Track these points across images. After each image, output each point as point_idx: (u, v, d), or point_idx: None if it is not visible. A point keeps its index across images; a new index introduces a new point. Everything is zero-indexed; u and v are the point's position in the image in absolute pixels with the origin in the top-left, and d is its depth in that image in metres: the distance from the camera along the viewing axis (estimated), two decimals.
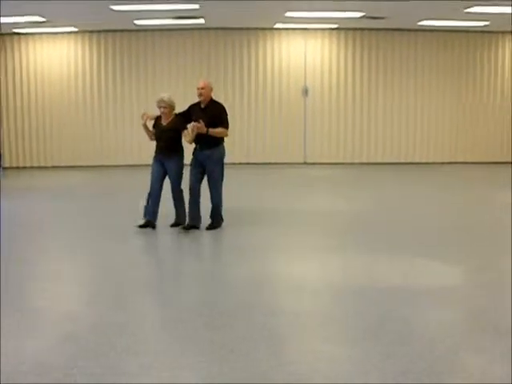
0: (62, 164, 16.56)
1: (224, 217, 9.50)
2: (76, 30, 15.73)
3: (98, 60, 16.42)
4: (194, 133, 8.92)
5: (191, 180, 9.29)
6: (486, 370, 4.70)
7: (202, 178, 9.38)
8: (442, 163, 16.82)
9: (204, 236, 9.23)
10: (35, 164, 16.70)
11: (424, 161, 16.93)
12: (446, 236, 9.18)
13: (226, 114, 9.23)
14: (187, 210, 9.43)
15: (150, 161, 9.51)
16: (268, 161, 16.63)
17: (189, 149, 9.34)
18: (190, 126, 9.08)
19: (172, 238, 9.19)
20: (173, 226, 9.52)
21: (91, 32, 16.21)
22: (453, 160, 16.88)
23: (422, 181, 14.58)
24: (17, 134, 16.64)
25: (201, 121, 8.88)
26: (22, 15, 12.84)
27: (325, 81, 16.63)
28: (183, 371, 4.78)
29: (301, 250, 8.50)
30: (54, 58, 16.36)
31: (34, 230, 9.91)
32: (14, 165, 16.72)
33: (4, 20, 13.19)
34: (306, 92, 16.57)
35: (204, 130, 8.89)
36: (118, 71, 16.46)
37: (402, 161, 16.90)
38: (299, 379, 4.61)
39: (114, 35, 16.30)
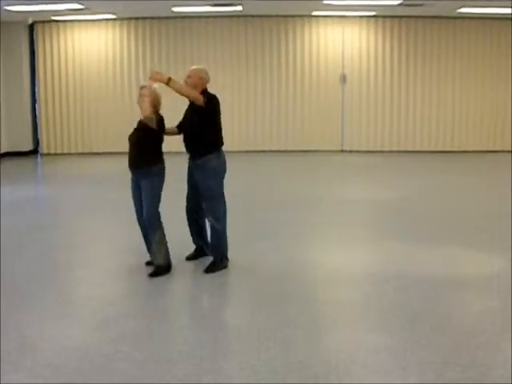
0: (101, 150, 16.66)
1: (259, 202, 8.80)
2: (114, 17, 15.82)
3: (135, 47, 16.49)
4: (150, 84, 6.53)
5: (186, 200, 7.23)
6: None
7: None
8: (481, 151, 16.63)
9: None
10: (73, 150, 16.84)
11: (463, 149, 16.75)
12: (488, 225, 9.06)
13: (209, 99, 6.68)
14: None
15: None
16: (305, 148, 16.55)
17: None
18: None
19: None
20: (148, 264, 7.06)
21: (129, 19, 16.29)
22: (491, 149, 16.69)
23: (461, 169, 14.43)
24: (55, 121, 16.80)
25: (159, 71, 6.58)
26: (61, 2, 12.93)
27: (362, 68, 16.53)
28: (222, 359, 4.81)
29: (338, 239, 8.47)
30: (93, 45, 16.47)
31: (73, 217, 10.00)
32: (52, 151, 16.88)
33: (43, 7, 13.30)
34: (343, 80, 16.49)
35: (163, 78, 6.45)
36: (155, 58, 16.51)
37: (441, 149, 16.75)
38: (336, 368, 4.61)
39: (152, 22, 16.35)
